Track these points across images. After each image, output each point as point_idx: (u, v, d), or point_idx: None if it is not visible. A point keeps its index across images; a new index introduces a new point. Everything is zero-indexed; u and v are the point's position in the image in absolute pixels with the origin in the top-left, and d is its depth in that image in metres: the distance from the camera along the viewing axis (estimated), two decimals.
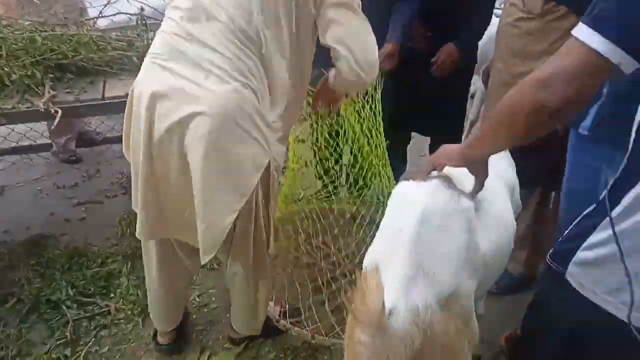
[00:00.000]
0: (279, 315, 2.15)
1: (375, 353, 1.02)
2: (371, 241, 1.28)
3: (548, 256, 1.07)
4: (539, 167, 1.93)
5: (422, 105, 2.58)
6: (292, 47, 1.56)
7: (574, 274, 1.00)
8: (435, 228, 1.16)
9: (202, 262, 1.67)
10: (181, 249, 1.82)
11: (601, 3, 0.82)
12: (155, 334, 2.08)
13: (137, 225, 1.68)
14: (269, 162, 1.61)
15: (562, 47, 0.85)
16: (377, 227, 1.30)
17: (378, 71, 1.66)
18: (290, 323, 2.13)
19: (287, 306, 2.22)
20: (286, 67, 1.58)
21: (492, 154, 1.18)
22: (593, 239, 0.96)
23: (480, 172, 1.24)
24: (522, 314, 1.33)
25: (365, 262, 1.20)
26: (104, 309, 2.27)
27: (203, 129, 1.45)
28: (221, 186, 1.53)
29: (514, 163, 1.69)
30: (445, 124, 2.61)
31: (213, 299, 2.37)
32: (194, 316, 2.26)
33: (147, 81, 1.53)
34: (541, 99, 0.87)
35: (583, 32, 0.82)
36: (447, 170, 1.31)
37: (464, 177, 1.29)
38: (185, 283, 2.00)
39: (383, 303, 0.97)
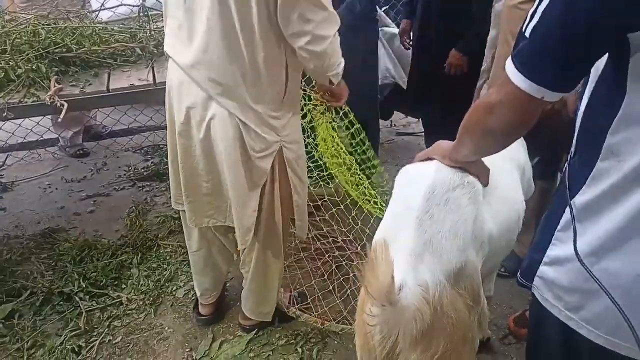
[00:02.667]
0: (289, 302, 2.17)
1: (386, 326, 1.03)
2: (375, 226, 1.29)
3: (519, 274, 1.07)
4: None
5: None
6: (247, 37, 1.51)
7: (538, 287, 1.00)
8: (442, 202, 1.16)
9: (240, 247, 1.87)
10: (216, 230, 1.97)
11: (521, 40, 0.85)
12: (195, 306, 2.20)
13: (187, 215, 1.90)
14: (281, 147, 1.70)
15: (503, 76, 0.89)
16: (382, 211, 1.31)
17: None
18: (299, 309, 2.14)
19: (296, 293, 2.24)
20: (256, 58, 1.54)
21: (473, 159, 1.21)
22: (554, 250, 0.95)
23: (474, 170, 1.26)
24: (530, 296, 1.34)
25: (375, 238, 1.21)
26: (115, 300, 2.29)
27: (224, 132, 1.61)
28: (243, 188, 1.70)
29: (525, 143, 1.68)
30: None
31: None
32: None
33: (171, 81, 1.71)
34: (489, 124, 0.95)
35: (510, 69, 0.87)
36: None
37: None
38: (224, 259, 2.07)
39: (392, 276, 0.97)
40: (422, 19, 2.87)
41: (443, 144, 1.29)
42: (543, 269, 0.97)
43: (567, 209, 0.90)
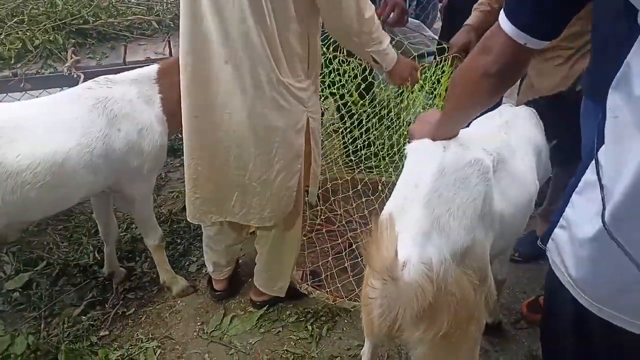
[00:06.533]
0: (301, 279, 2.18)
1: (387, 300, 1.02)
2: None
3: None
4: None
5: None
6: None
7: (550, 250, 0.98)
8: (451, 181, 1.15)
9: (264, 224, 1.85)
10: None
11: None
12: (209, 281, 2.22)
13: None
14: (308, 119, 1.72)
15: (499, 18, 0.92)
16: None
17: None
18: (312, 286, 2.15)
19: (308, 270, 2.25)
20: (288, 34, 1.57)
21: (459, 128, 1.23)
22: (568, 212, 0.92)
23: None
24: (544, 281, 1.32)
25: (382, 215, 1.20)
26: (129, 273, 2.31)
27: (242, 115, 1.62)
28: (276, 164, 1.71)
29: (542, 125, 1.64)
30: None
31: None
32: None
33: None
34: (484, 64, 0.97)
35: (501, 14, 0.90)
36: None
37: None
38: (237, 235, 2.08)
39: (396, 251, 0.96)
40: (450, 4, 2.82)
41: (427, 117, 1.32)
42: (557, 232, 0.95)
43: (587, 170, 0.87)
